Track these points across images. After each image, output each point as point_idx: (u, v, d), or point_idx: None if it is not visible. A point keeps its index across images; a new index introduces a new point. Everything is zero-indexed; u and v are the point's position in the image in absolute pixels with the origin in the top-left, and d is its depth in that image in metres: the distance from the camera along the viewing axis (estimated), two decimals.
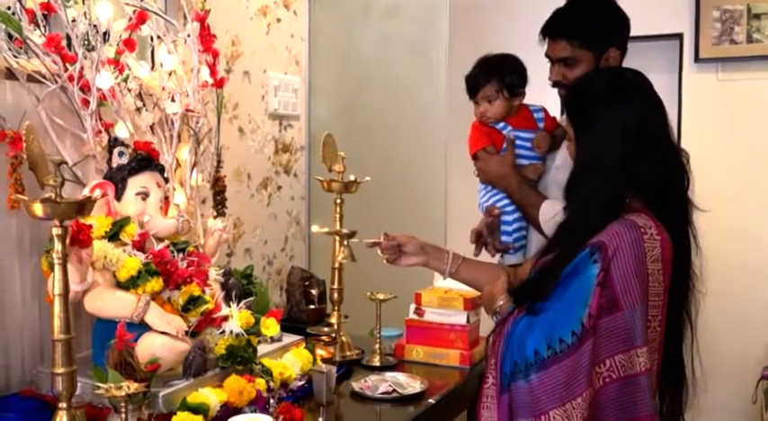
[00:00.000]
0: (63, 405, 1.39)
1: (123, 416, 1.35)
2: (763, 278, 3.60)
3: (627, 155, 1.43)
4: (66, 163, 1.89)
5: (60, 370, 1.37)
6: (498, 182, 2.00)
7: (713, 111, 3.69)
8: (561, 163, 1.97)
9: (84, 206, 1.34)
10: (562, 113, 2.07)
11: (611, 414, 1.39)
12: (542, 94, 2.08)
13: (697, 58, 3.69)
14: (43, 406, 1.71)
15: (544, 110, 2.08)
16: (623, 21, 1.92)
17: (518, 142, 2.01)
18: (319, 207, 3.29)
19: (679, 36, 3.72)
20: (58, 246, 1.34)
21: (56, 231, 1.34)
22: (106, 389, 1.34)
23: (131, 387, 1.34)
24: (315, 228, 2.31)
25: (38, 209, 1.30)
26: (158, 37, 2.11)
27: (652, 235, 1.38)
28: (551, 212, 1.85)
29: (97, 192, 1.65)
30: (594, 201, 1.46)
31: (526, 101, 2.07)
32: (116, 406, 1.39)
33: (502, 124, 2.00)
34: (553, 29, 1.89)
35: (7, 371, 1.84)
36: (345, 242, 2.13)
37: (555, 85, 1.94)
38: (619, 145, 1.43)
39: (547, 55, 1.92)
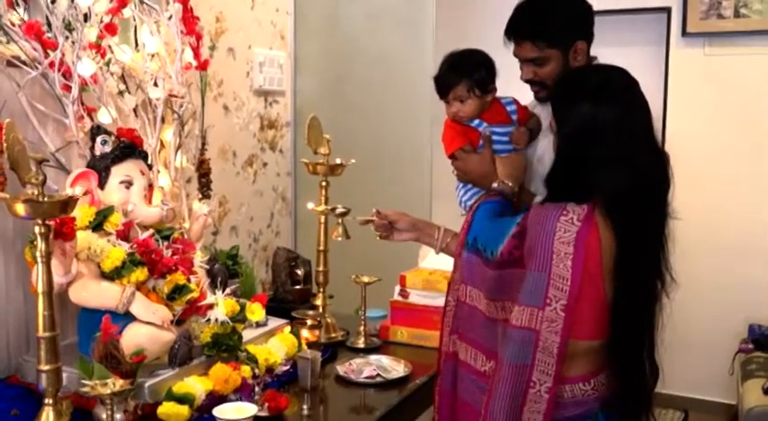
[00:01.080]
0: (49, 401, 1.39)
1: (109, 411, 1.36)
2: (742, 254, 3.65)
3: (597, 154, 1.44)
4: (50, 150, 1.89)
5: (45, 367, 1.38)
6: (480, 181, 1.97)
7: (699, 85, 3.69)
8: (542, 153, 1.96)
9: (67, 205, 1.33)
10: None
11: (483, 333, 1.57)
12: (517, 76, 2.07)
13: (684, 33, 3.68)
14: (28, 393, 1.72)
15: (515, 101, 2.03)
16: (586, 11, 1.88)
17: (495, 137, 1.98)
18: (306, 183, 3.27)
19: (667, 10, 3.71)
20: (41, 244, 1.33)
21: (39, 230, 1.33)
22: (92, 387, 1.35)
23: (116, 384, 1.35)
24: (310, 206, 2.30)
25: (20, 208, 1.29)
26: (140, 19, 2.06)
27: (572, 219, 1.41)
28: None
29: (78, 190, 1.63)
30: (562, 188, 1.50)
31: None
32: (102, 400, 1.40)
33: (477, 121, 1.95)
34: (517, 31, 1.85)
35: None
36: (340, 220, 2.12)
37: (526, 81, 1.93)
38: (591, 142, 1.45)
39: (515, 54, 1.90)
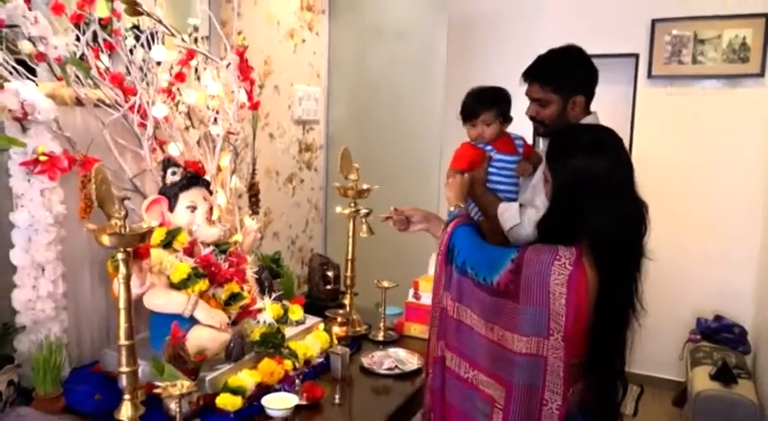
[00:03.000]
0: (127, 397, 1.36)
1: (178, 406, 1.32)
2: (694, 259, 3.59)
3: (587, 204, 1.38)
4: (128, 176, 1.85)
5: (125, 369, 1.35)
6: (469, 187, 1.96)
7: (662, 120, 3.62)
8: (536, 181, 1.93)
9: (145, 236, 1.29)
10: (534, 138, 2.02)
11: (487, 358, 1.46)
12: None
13: (650, 75, 3.61)
14: (108, 380, 1.68)
15: (523, 139, 2.03)
16: (591, 74, 1.85)
17: (500, 164, 1.97)
18: (335, 195, 3.22)
19: (636, 55, 3.63)
20: (122, 268, 1.29)
21: (121, 257, 1.29)
22: (164, 388, 1.31)
23: (184, 385, 1.32)
24: (338, 210, 2.23)
25: (106, 240, 1.26)
26: (204, 67, 2.02)
27: (565, 264, 1.35)
28: (506, 206, 1.85)
29: (153, 213, 1.59)
30: (552, 232, 1.43)
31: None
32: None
33: (489, 147, 1.96)
34: (530, 74, 1.85)
35: (80, 348, 1.81)
36: (364, 219, 2.08)
37: (529, 117, 1.90)
38: (582, 193, 1.39)
39: (526, 93, 1.88)
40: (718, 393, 2.78)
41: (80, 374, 1.73)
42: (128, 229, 1.28)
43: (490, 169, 1.94)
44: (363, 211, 2.12)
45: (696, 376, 2.98)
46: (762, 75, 3.35)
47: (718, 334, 3.34)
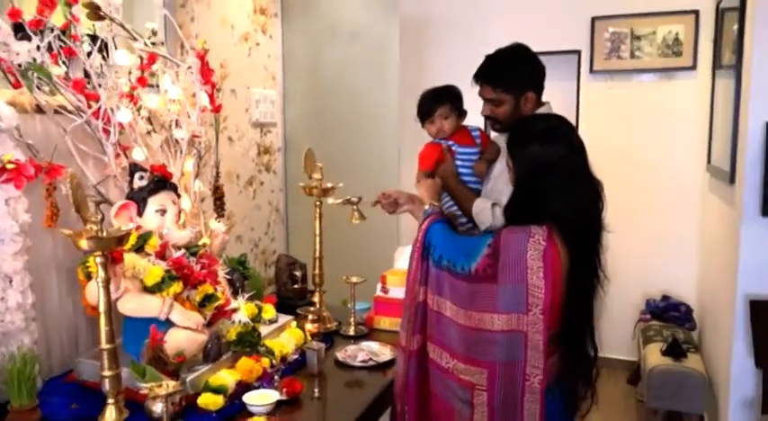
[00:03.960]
0: (111, 400, 1.36)
1: (164, 407, 1.33)
2: (640, 243, 3.77)
3: (548, 187, 1.47)
4: (91, 183, 1.83)
5: (108, 372, 1.34)
6: (442, 182, 2.03)
7: (605, 112, 3.79)
8: (498, 173, 2.01)
9: (122, 239, 1.29)
10: (486, 131, 2.11)
11: (462, 345, 1.51)
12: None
13: (592, 70, 3.77)
14: (83, 390, 1.68)
15: (480, 130, 2.11)
16: (538, 70, 1.93)
17: (463, 156, 2.04)
18: (294, 197, 3.26)
19: (578, 52, 3.79)
20: (101, 272, 1.29)
21: (99, 260, 1.29)
22: (149, 389, 1.32)
23: (170, 385, 1.32)
24: (330, 201, 2.20)
25: (84, 243, 1.25)
26: (163, 70, 2.01)
27: (539, 240, 1.44)
28: (481, 206, 1.92)
29: (121, 219, 1.58)
30: (519, 216, 1.52)
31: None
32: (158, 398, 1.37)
33: (450, 142, 2.04)
34: (481, 76, 1.91)
35: (50, 358, 1.78)
36: (355, 207, 2.10)
37: (485, 117, 1.98)
38: (542, 177, 1.48)
39: (479, 94, 1.95)
40: (670, 367, 2.95)
41: (54, 385, 1.71)
42: (105, 233, 1.28)
43: (456, 163, 2.01)
44: (355, 199, 2.14)
45: (649, 353, 3.14)
46: (694, 67, 3.56)
47: (666, 313, 3.53)
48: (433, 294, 1.60)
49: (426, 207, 1.76)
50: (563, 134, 1.51)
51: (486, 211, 1.88)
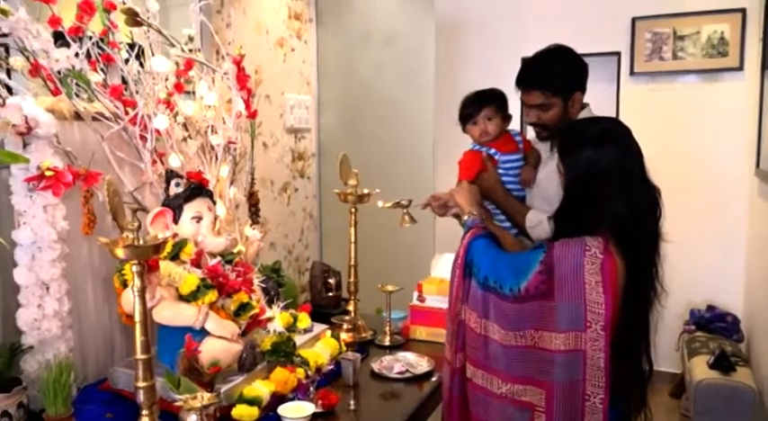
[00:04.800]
0: (145, 412, 1.33)
1: (199, 418, 1.30)
2: (684, 251, 3.63)
3: (603, 192, 1.40)
4: (128, 190, 1.82)
5: (142, 383, 1.32)
6: (486, 193, 1.96)
7: (645, 116, 3.67)
8: (542, 178, 1.93)
9: (159, 247, 1.27)
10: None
11: (520, 367, 1.43)
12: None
13: (632, 72, 3.67)
14: (118, 399, 1.66)
15: (520, 133, 2.03)
16: (583, 68, 1.86)
17: (507, 164, 1.96)
18: (328, 203, 3.23)
19: (617, 54, 3.69)
20: (137, 281, 1.27)
21: (136, 269, 1.26)
22: (184, 401, 1.29)
23: (205, 397, 1.29)
24: (380, 204, 2.12)
25: (120, 252, 1.23)
26: (199, 76, 2.00)
27: (595, 253, 1.36)
28: (536, 220, 1.84)
29: (158, 226, 1.56)
30: (572, 224, 1.45)
31: None
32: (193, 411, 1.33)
33: (493, 150, 1.95)
34: (527, 80, 1.83)
35: (85, 367, 1.77)
36: (405, 210, 2.04)
37: (531, 124, 1.90)
38: (597, 182, 1.41)
39: (522, 100, 1.87)
40: (718, 381, 2.82)
41: (88, 393, 1.70)
42: (141, 241, 1.25)
43: (499, 171, 1.93)
44: (405, 202, 2.08)
45: (694, 366, 3.01)
46: (740, 68, 3.42)
47: (712, 323, 3.38)
48: (480, 317, 1.51)
49: (466, 218, 1.69)
50: (618, 137, 1.44)
51: (544, 225, 1.80)
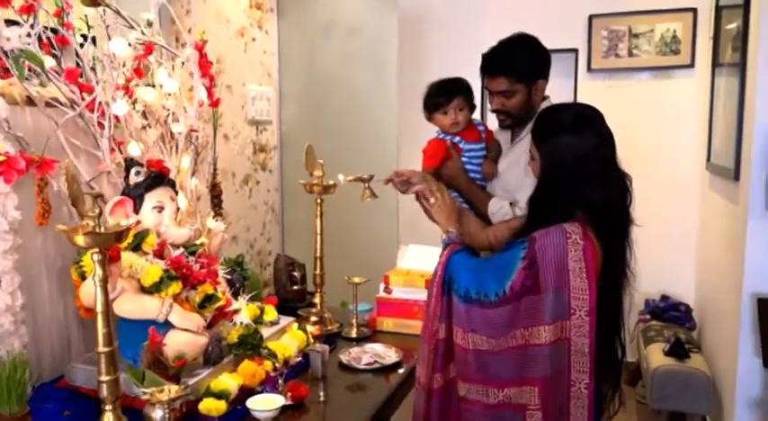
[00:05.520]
0: (108, 407, 1.27)
1: (166, 413, 1.25)
2: (638, 243, 3.72)
3: (580, 177, 1.41)
4: (84, 180, 1.74)
5: (105, 377, 1.26)
6: (449, 181, 1.96)
7: (602, 110, 3.73)
8: (503, 169, 1.95)
9: (121, 234, 1.21)
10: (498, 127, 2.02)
11: (515, 369, 1.41)
12: None
13: (589, 69, 3.73)
14: (75, 396, 1.60)
15: (484, 124, 2.05)
16: (547, 57, 1.88)
17: (470, 153, 1.97)
18: (290, 196, 3.18)
19: (575, 50, 3.75)
20: (98, 270, 1.21)
21: (97, 257, 1.20)
22: (151, 394, 1.24)
23: (171, 390, 1.24)
24: (341, 177, 2.04)
25: (80, 240, 1.17)
26: (158, 62, 1.93)
27: (576, 239, 1.37)
28: (498, 206, 1.85)
29: (117, 216, 1.50)
30: (547, 208, 1.45)
31: None
32: (160, 405, 1.28)
33: (457, 138, 1.96)
34: (491, 67, 1.83)
35: (40, 363, 1.69)
36: (366, 184, 2.00)
37: (494, 111, 1.90)
38: (574, 168, 1.41)
39: (486, 87, 1.87)
40: (674, 368, 2.90)
41: (45, 391, 1.62)
42: (103, 228, 1.20)
43: (462, 159, 1.94)
44: (366, 177, 2.04)
45: (650, 353, 3.09)
46: (692, 66, 3.53)
47: (666, 312, 3.48)
48: (466, 332, 1.45)
49: (443, 236, 1.65)
50: (594, 123, 1.45)
51: (505, 209, 1.81)
